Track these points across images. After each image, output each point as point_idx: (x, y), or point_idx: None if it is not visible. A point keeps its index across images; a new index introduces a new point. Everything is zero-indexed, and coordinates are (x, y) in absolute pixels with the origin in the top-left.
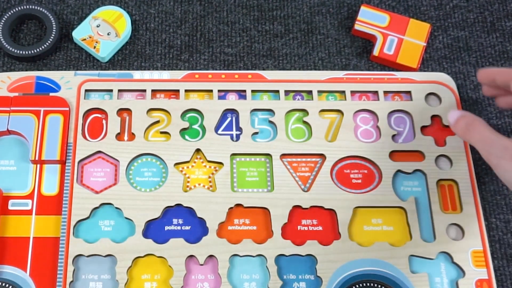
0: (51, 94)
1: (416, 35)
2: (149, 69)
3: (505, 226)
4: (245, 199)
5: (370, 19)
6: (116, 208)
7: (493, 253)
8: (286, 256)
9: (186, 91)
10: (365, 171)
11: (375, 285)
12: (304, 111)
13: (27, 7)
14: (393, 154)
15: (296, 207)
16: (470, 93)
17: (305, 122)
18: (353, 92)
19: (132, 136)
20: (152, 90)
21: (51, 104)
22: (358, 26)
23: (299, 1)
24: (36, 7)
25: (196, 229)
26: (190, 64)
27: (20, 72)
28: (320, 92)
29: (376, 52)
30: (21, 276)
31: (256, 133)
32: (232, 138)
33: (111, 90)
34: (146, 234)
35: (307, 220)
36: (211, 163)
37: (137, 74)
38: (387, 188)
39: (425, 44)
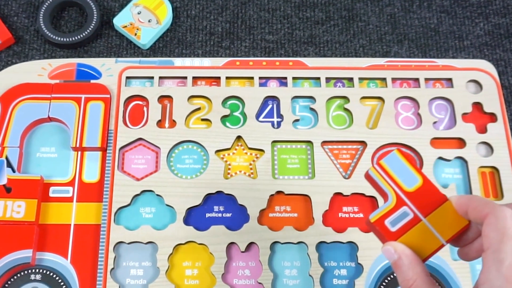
0: (92, 81)
1: (441, 226)
2: (190, 56)
3: None
4: (286, 186)
5: (394, 170)
6: (157, 195)
7: None
8: (327, 243)
9: (227, 78)
10: None
11: None
12: (345, 98)
13: None
14: (434, 141)
15: (337, 194)
16: (511, 80)
17: (346, 109)
18: (394, 79)
19: (173, 123)
20: (193, 77)
21: (92, 91)
22: (372, 172)
23: None
24: None
25: (237, 216)
26: (231, 51)
27: (61, 59)
28: (361, 79)
29: (373, 216)
30: (62, 263)
31: (297, 120)
32: (273, 125)
33: (152, 77)
34: (187, 221)
35: (348, 207)
36: (252, 150)
37: (178, 61)
38: (428, 175)
39: (445, 245)
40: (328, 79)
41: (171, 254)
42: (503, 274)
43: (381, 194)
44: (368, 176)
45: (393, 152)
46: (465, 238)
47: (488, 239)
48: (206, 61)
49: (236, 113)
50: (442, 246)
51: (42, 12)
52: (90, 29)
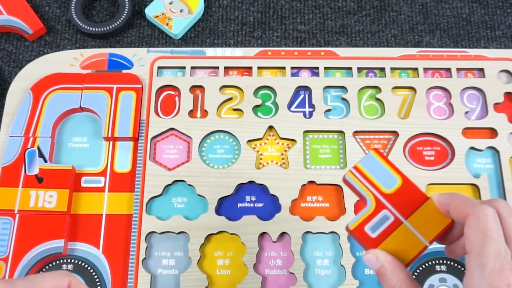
0: (123, 71)
1: (423, 227)
2: (221, 46)
3: None
4: (318, 176)
5: (371, 173)
6: (189, 185)
7: None
8: None
9: (259, 68)
10: (438, 148)
11: (447, 261)
12: (377, 88)
13: None
14: (466, 131)
15: None
16: None
17: (377, 99)
18: (425, 69)
19: (205, 113)
20: (225, 67)
21: (124, 81)
22: (349, 176)
23: None
24: None
25: (268, 206)
26: (262, 41)
27: (92, 49)
28: (393, 69)
29: (352, 224)
30: (93, 253)
31: (329, 110)
32: (305, 115)
33: (183, 67)
34: (218, 211)
35: None
36: (283, 140)
37: (209, 51)
38: (459, 165)
39: (428, 246)
40: (360, 69)
41: (203, 244)
42: (486, 280)
43: (360, 199)
44: (345, 181)
45: (369, 153)
46: (450, 236)
47: (470, 242)
48: (238, 51)
49: (268, 103)
50: (425, 247)
51: (73, 2)
52: (121, 19)
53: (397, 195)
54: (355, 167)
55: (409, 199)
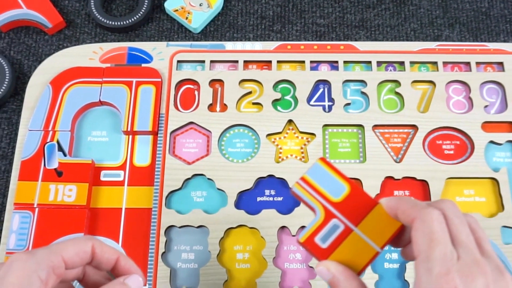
0: (143, 65)
1: (374, 233)
2: (241, 40)
3: None
4: None
5: (318, 182)
6: (208, 179)
7: None
8: None
9: (278, 62)
10: (457, 142)
11: None
12: (396, 82)
13: None
14: (485, 125)
15: (388, 178)
16: None
17: (397, 93)
18: (445, 63)
19: (224, 107)
20: (244, 61)
21: (143, 75)
22: (296, 188)
23: None
24: None
25: (288, 200)
26: (282, 35)
27: (112, 43)
28: (412, 63)
29: (302, 237)
30: (113, 247)
31: (348, 104)
32: (324, 109)
33: (203, 61)
34: (238, 205)
35: (399, 191)
36: (303, 134)
37: (229, 45)
38: (479, 159)
39: (380, 252)
40: (379, 63)
41: (222, 238)
42: (433, 284)
43: (310, 209)
44: (293, 193)
45: (315, 163)
46: (403, 239)
47: (417, 246)
48: (257, 45)
49: (287, 97)
50: (377, 253)
51: None
52: (141, 13)
53: (346, 202)
54: (302, 178)
55: (358, 205)
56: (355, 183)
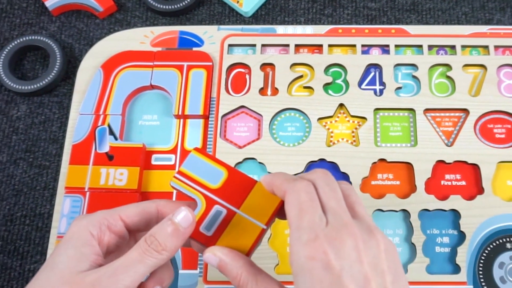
0: (194, 49)
1: (256, 211)
2: (292, 24)
3: None
4: (389, 154)
5: (195, 172)
6: (260, 163)
7: None
8: (430, 211)
9: (329, 45)
10: (509, 126)
11: None
12: (448, 66)
13: None
14: None
15: (440, 161)
16: None
17: (448, 77)
18: (496, 47)
19: (275, 91)
20: (296, 45)
21: (195, 59)
22: (174, 182)
23: None
24: None
25: None
26: (333, 18)
27: (163, 27)
28: (463, 47)
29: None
30: None
31: (400, 87)
32: (375, 93)
33: (254, 45)
34: None
35: (450, 175)
36: (354, 117)
37: (280, 29)
38: None
39: (265, 228)
40: (430, 47)
41: (273, 222)
42: (303, 252)
43: (191, 201)
44: (172, 187)
45: (190, 154)
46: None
47: (289, 218)
48: (309, 29)
49: (339, 81)
50: (263, 230)
51: None
52: None
53: (225, 187)
54: (179, 171)
55: (238, 188)
56: (232, 167)
